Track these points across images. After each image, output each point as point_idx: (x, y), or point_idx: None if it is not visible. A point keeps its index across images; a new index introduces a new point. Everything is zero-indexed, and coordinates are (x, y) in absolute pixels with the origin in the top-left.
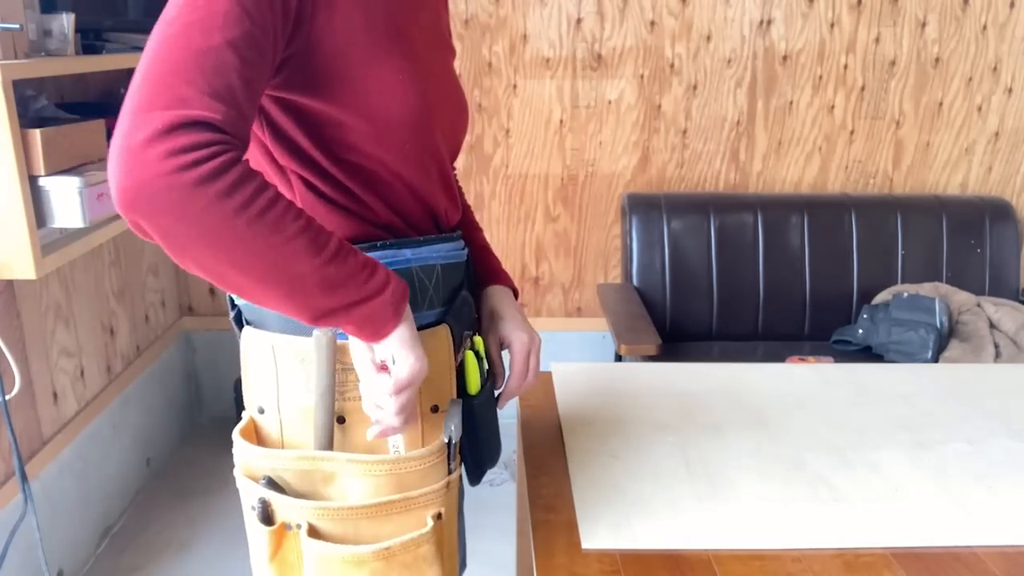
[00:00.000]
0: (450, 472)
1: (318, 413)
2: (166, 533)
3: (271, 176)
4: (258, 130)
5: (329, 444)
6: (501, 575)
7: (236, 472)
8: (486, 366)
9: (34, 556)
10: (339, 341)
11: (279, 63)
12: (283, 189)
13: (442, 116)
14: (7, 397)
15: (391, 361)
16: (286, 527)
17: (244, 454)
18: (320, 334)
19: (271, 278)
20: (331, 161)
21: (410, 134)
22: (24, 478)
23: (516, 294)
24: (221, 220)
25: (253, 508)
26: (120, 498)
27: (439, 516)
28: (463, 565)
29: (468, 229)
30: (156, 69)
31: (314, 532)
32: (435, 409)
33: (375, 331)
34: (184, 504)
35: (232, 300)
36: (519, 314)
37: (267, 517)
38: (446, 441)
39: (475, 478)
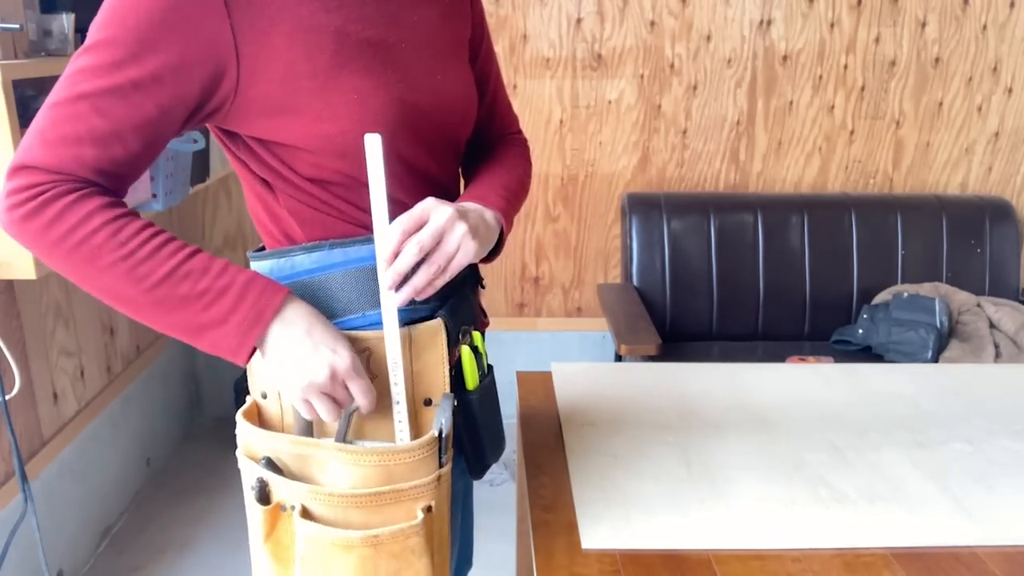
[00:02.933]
0: (441, 466)
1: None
2: (166, 533)
3: (259, 190)
4: (240, 153)
5: (307, 430)
6: (501, 575)
7: (238, 452)
8: (485, 362)
9: (34, 556)
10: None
11: (215, 107)
12: (271, 201)
13: (419, 120)
14: (7, 397)
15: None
16: (281, 508)
17: (245, 435)
18: None
19: (107, 298)
20: (299, 177)
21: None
22: (24, 478)
23: (502, 230)
24: (46, 250)
25: (252, 488)
26: (120, 498)
27: (429, 509)
28: (469, 564)
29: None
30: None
31: (307, 514)
32: (428, 403)
33: (230, 355)
34: (184, 504)
35: None
36: (462, 203)
37: (264, 496)
38: (436, 435)
39: (477, 472)
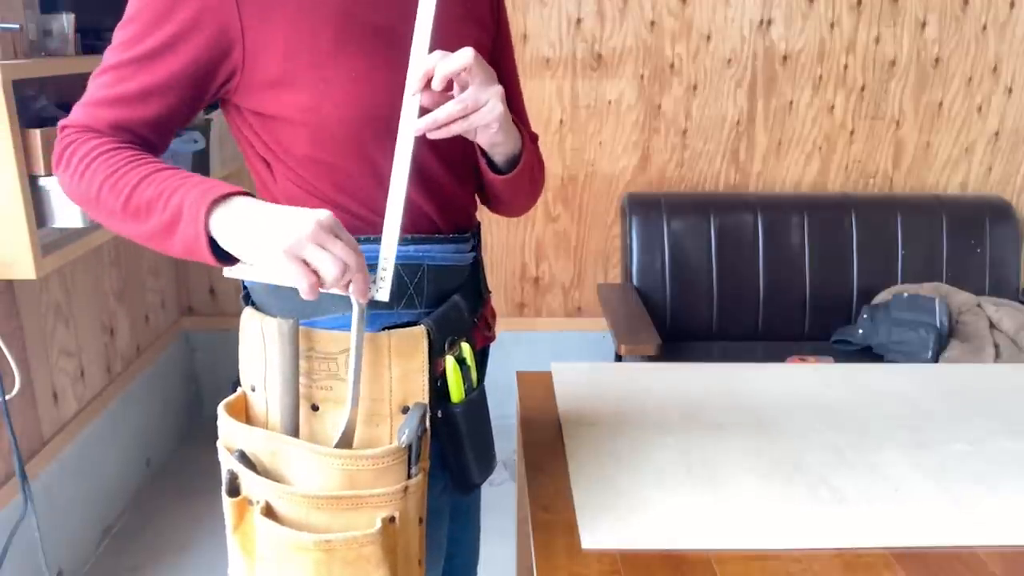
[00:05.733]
0: (410, 476)
1: (282, 397)
2: (166, 533)
3: (260, 171)
4: (245, 130)
5: (294, 427)
6: (501, 575)
7: (218, 443)
8: (473, 375)
9: (34, 556)
10: (312, 329)
11: (227, 75)
12: (271, 184)
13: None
14: (7, 397)
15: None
16: (248, 502)
17: (224, 427)
18: (281, 321)
19: (108, 222)
20: (295, 159)
21: (370, 134)
22: (24, 478)
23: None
24: (68, 185)
25: (224, 479)
26: (120, 498)
27: (393, 520)
28: (473, 574)
29: None
30: (100, 78)
31: (270, 512)
32: (406, 410)
33: (195, 248)
34: (184, 504)
35: (244, 283)
36: None
37: (233, 489)
38: (400, 445)
39: (462, 489)
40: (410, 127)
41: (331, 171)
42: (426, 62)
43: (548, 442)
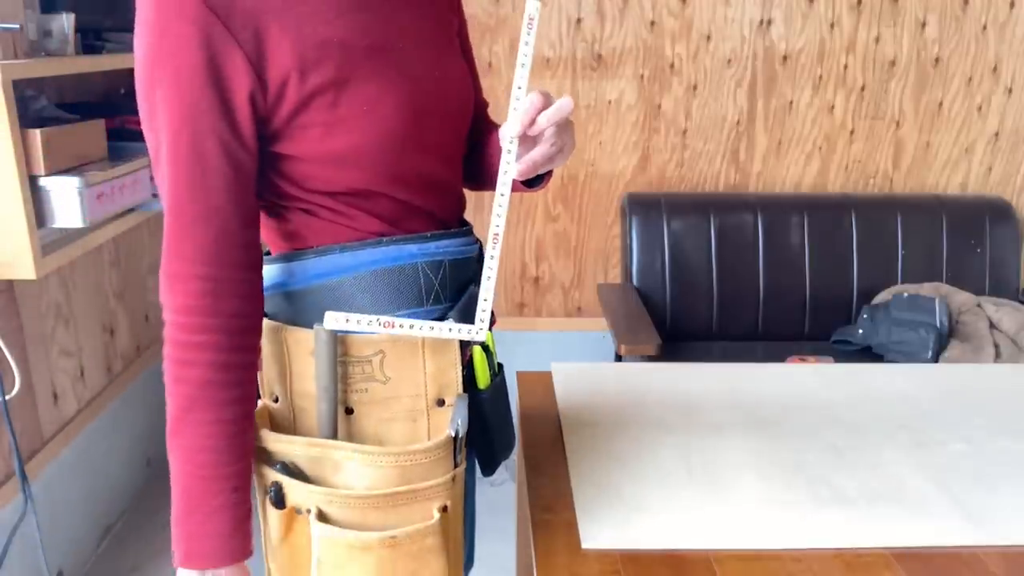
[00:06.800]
0: (456, 465)
1: (321, 404)
2: (166, 533)
3: (266, 212)
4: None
5: (333, 433)
6: (501, 575)
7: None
8: (496, 360)
9: (34, 556)
10: (341, 335)
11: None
12: (280, 218)
13: (426, 120)
14: (7, 397)
15: None
16: (296, 511)
17: (259, 439)
18: (320, 328)
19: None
20: (308, 191)
21: (388, 156)
22: (24, 478)
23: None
24: (164, 362)
25: (268, 492)
26: (120, 498)
27: (445, 509)
28: (470, 563)
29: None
30: (165, 223)
31: (323, 517)
32: (441, 403)
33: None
34: None
35: None
36: None
37: (279, 500)
38: (452, 435)
39: (488, 469)
40: (512, 169)
41: (344, 196)
42: (530, 107)
43: (548, 442)
